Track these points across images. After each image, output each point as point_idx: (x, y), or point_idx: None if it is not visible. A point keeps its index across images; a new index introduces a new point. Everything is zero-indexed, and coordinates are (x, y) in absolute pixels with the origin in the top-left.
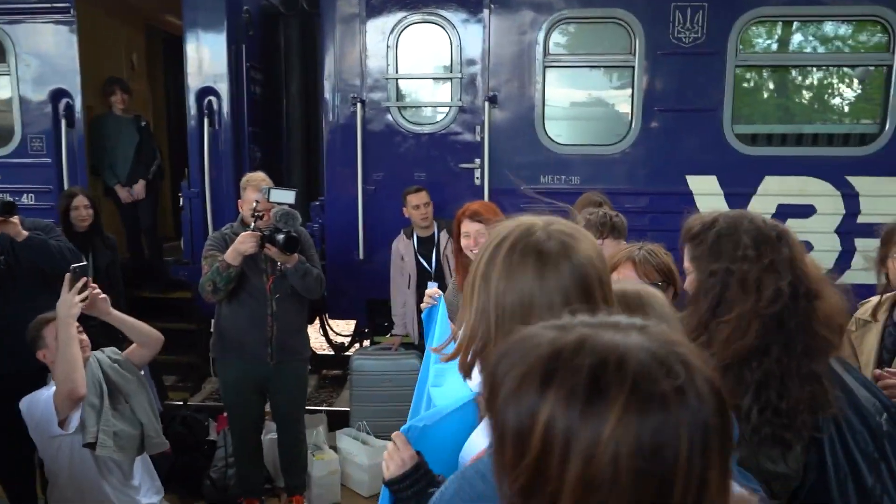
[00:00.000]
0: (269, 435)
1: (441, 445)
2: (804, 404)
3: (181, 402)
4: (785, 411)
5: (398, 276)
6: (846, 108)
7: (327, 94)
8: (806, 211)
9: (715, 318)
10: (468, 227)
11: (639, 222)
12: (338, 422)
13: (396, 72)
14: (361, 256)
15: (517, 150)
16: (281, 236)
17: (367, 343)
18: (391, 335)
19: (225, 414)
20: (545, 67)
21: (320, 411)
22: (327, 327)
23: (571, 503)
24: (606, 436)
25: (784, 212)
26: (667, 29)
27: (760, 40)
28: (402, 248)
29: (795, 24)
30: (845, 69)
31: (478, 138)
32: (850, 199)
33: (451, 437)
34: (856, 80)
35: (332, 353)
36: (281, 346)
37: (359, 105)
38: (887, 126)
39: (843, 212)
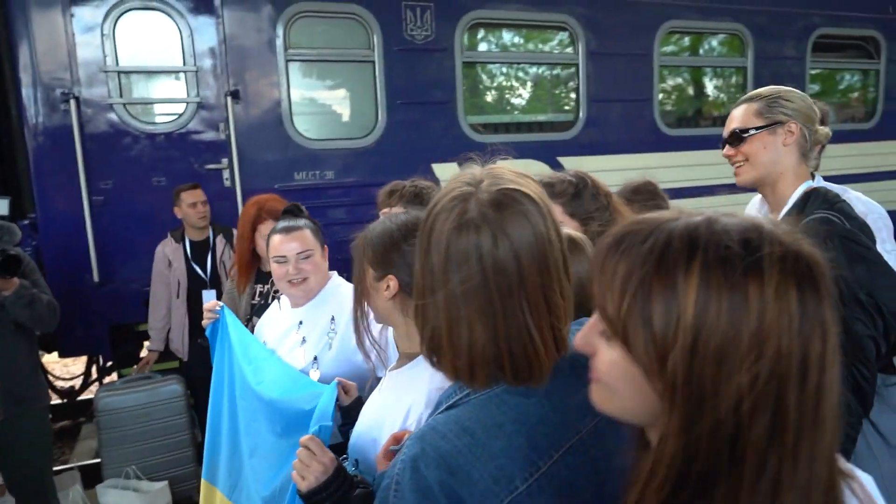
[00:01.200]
0: None
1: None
2: None
3: None
4: None
5: (160, 285)
6: (552, 100)
7: (26, 89)
8: None
9: None
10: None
11: None
12: (90, 478)
13: (117, 64)
14: (97, 279)
15: (266, 148)
16: None
17: (111, 378)
18: (148, 350)
19: None
20: (287, 61)
21: (68, 469)
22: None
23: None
24: (758, 311)
25: None
26: (400, 26)
27: (481, 40)
28: (170, 253)
29: (506, 27)
30: (549, 66)
31: (222, 136)
32: None
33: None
34: (557, 76)
35: (61, 400)
36: (9, 394)
37: (72, 102)
38: (581, 114)
39: None
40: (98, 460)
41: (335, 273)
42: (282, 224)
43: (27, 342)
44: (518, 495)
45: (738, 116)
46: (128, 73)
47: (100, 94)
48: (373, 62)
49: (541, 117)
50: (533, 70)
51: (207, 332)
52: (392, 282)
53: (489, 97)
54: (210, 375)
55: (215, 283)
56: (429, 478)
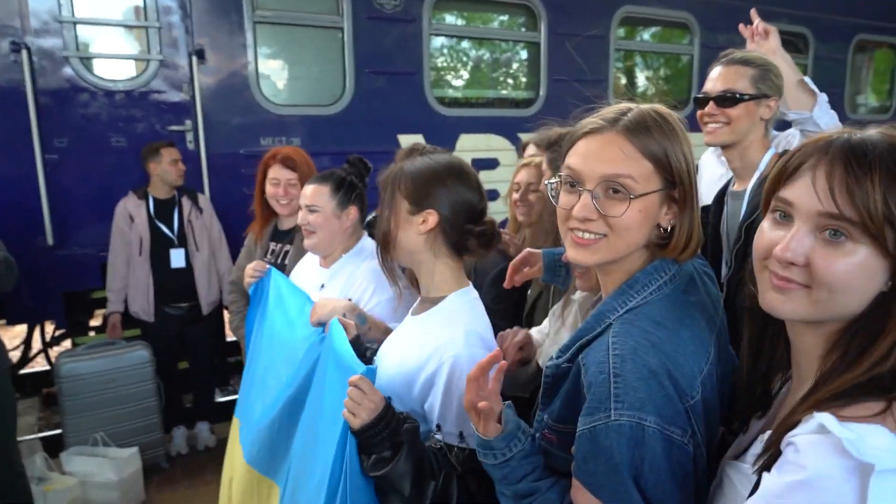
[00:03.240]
0: None
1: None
2: None
3: None
4: None
5: (120, 243)
6: (514, 77)
7: None
8: (492, 163)
9: None
10: (279, 173)
11: None
12: (53, 448)
13: (73, 14)
14: (51, 242)
15: (232, 111)
16: None
17: (63, 347)
18: (108, 313)
19: None
20: (255, 23)
21: (27, 440)
22: None
23: None
24: None
25: (476, 165)
26: None
27: (448, 14)
28: (133, 209)
29: (471, 3)
30: (511, 43)
31: (186, 97)
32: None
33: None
34: (520, 54)
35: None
36: None
37: (24, 53)
38: (540, 91)
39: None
40: (56, 432)
41: (366, 242)
42: (325, 173)
43: None
44: (705, 376)
45: (732, 78)
46: (85, 24)
47: (55, 46)
48: (342, 28)
49: (503, 94)
50: (494, 47)
51: (251, 291)
52: (431, 216)
53: (454, 71)
54: (173, 341)
55: (182, 241)
56: (651, 362)
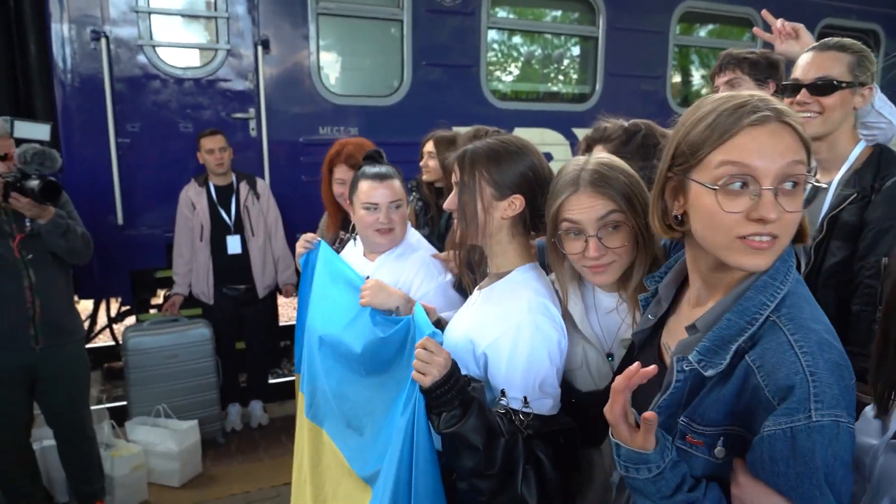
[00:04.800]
0: (44, 442)
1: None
2: None
3: None
4: None
5: (184, 229)
6: (570, 72)
7: (55, 25)
8: (546, 157)
9: None
10: (345, 174)
11: (414, 172)
12: (117, 419)
13: (148, 5)
14: (121, 222)
15: (293, 100)
16: (35, 182)
17: (125, 324)
18: (171, 294)
19: None
20: (318, 15)
21: (96, 409)
22: None
23: None
24: None
25: None
26: None
27: (506, 7)
28: (194, 197)
29: None
30: (569, 38)
31: (250, 86)
32: (575, 148)
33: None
34: (576, 48)
35: None
36: (49, 325)
37: (103, 41)
38: (597, 87)
39: (571, 158)
40: (120, 404)
41: (412, 234)
42: (371, 170)
43: (64, 274)
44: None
45: (827, 64)
46: (159, 14)
47: (130, 35)
48: (401, 21)
49: (559, 87)
50: (552, 41)
51: (301, 262)
52: (518, 200)
53: (511, 65)
54: (231, 322)
55: (239, 227)
56: (835, 355)
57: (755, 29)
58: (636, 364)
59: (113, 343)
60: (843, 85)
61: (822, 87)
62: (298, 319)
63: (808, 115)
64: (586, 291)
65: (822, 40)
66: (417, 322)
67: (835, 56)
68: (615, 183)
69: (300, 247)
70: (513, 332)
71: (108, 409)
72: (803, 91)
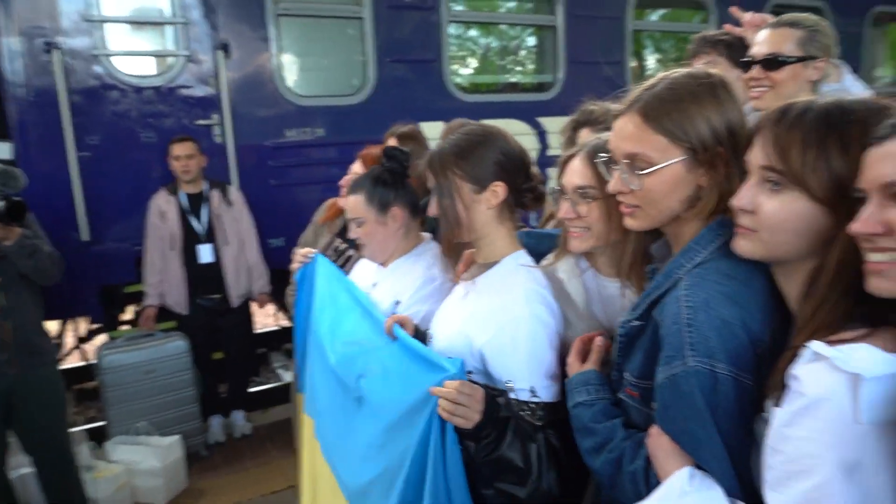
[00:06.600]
0: (22, 470)
1: None
2: None
3: None
4: None
5: (154, 239)
6: (532, 62)
7: (4, 38)
8: None
9: None
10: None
11: None
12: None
13: (101, 13)
14: (87, 237)
15: (257, 104)
16: (0, 203)
17: (96, 343)
18: (143, 306)
19: None
20: (277, 16)
21: (73, 432)
22: None
23: None
24: None
25: None
26: None
27: (466, 0)
28: (164, 205)
29: None
30: (528, 28)
31: (212, 91)
32: (541, 136)
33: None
34: (536, 38)
35: None
36: (22, 347)
37: (56, 53)
38: (559, 75)
39: (539, 147)
40: (98, 425)
41: (428, 246)
42: (358, 178)
43: (34, 295)
44: (773, 322)
45: (777, 41)
46: (113, 22)
47: (84, 45)
48: (362, 18)
49: (521, 78)
50: (512, 32)
51: (297, 276)
52: (500, 188)
53: (474, 58)
54: (207, 333)
55: (210, 236)
56: (724, 313)
57: (727, 26)
58: (600, 337)
59: (82, 363)
60: (792, 60)
61: (772, 62)
62: (297, 337)
63: (762, 89)
64: (588, 278)
65: (778, 17)
66: (432, 358)
67: (785, 32)
68: None
69: (295, 261)
70: (513, 325)
71: (86, 430)
72: (756, 67)
